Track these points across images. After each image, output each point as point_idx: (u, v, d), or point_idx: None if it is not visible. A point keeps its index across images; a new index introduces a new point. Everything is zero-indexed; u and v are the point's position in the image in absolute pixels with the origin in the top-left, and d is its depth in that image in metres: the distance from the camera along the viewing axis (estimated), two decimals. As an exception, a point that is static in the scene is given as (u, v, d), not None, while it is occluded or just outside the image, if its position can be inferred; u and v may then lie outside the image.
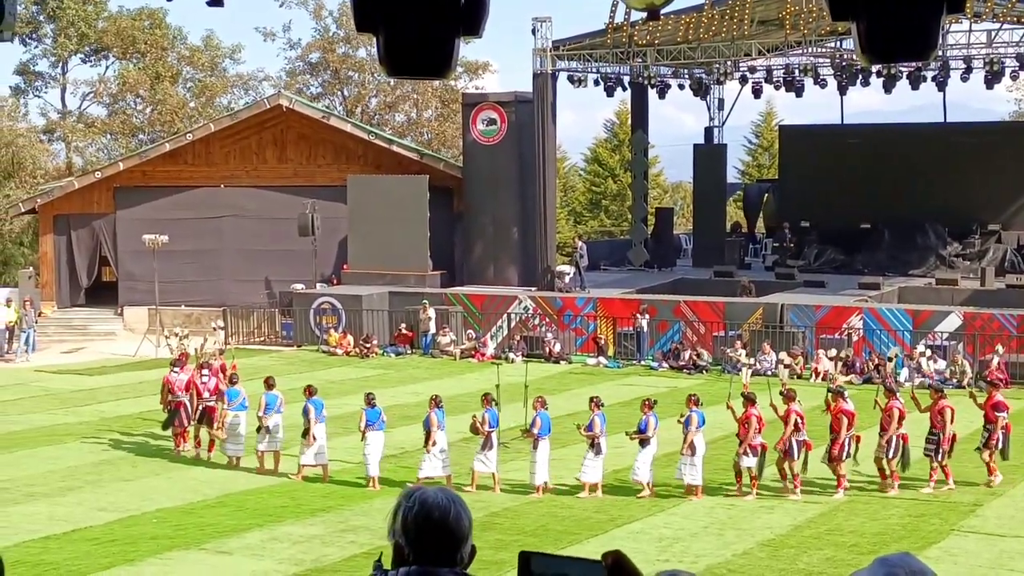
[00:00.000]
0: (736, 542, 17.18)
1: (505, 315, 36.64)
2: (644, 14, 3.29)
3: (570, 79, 40.26)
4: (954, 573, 15.44)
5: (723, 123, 48.31)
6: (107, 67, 62.67)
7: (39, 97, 63.61)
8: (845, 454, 19.78)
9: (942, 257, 41.67)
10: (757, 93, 45.45)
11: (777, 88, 44.36)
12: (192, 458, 23.22)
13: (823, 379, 30.82)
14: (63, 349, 39.18)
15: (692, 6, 38.36)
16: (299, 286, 39.47)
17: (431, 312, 36.50)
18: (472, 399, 24.57)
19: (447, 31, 2.87)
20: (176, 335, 33.54)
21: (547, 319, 36.17)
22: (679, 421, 20.19)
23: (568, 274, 38.12)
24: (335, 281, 40.66)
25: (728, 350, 32.71)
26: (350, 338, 36.82)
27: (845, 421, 19.73)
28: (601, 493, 20.13)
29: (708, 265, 42.17)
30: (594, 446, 20.02)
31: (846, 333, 32.61)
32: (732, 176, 58.41)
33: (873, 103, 60.33)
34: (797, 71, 42.68)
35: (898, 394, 20.24)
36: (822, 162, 44.55)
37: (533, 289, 37.81)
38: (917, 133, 45.34)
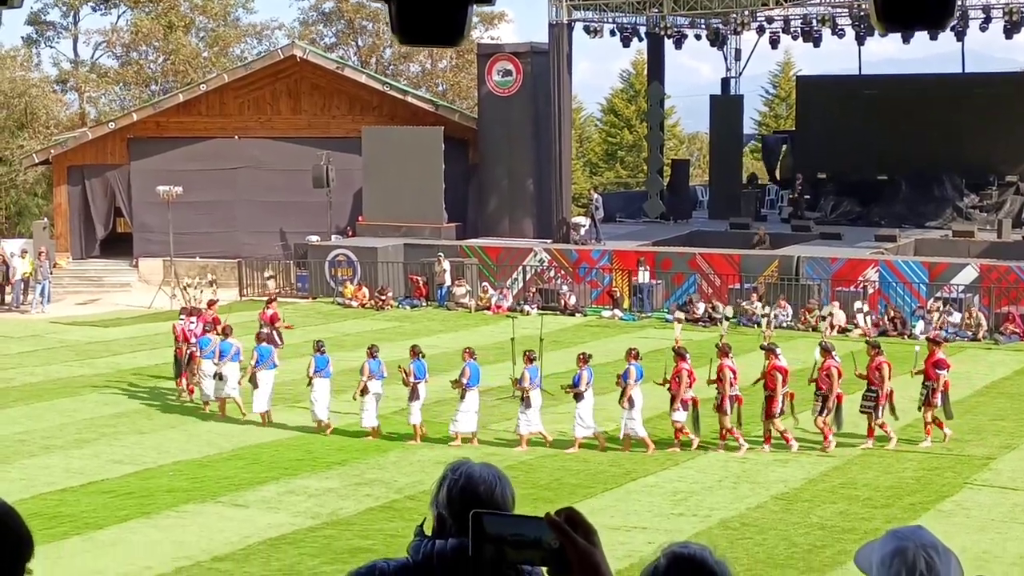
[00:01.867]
0: (750, 496, 17.22)
1: (520, 267, 36.61)
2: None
3: (586, 29, 40.00)
4: (967, 527, 15.47)
5: (740, 73, 47.97)
6: (119, 16, 62.47)
7: (51, 47, 63.59)
8: (780, 411, 19.72)
9: (959, 209, 41.47)
10: (774, 43, 45.13)
11: (795, 38, 44.04)
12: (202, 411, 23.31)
13: (838, 332, 30.81)
14: (78, 300, 39.28)
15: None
16: (314, 238, 39.46)
17: (446, 264, 36.49)
18: (488, 352, 24.63)
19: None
20: (191, 285, 33.77)
21: (562, 271, 36.12)
22: (618, 376, 20.24)
23: (583, 226, 38.03)
24: (350, 233, 40.64)
25: (743, 303, 32.69)
26: (365, 290, 36.86)
27: (780, 378, 19.68)
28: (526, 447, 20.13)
29: (724, 217, 42.01)
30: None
31: (862, 286, 32.54)
32: (749, 127, 58.12)
33: (891, 52, 60.19)
34: (815, 21, 42.36)
35: (834, 352, 19.97)
36: (839, 113, 44.26)
37: (548, 241, 37.74)
38: (935, 83, 45.00)
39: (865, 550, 3.27)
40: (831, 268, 33.19)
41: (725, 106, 46.78)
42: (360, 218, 40.75)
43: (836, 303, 31.88)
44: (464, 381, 20.41)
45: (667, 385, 19.94)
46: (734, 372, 19.85)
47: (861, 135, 43.20)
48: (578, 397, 20.02)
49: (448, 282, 36.42)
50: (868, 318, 30.90)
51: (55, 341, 31.80)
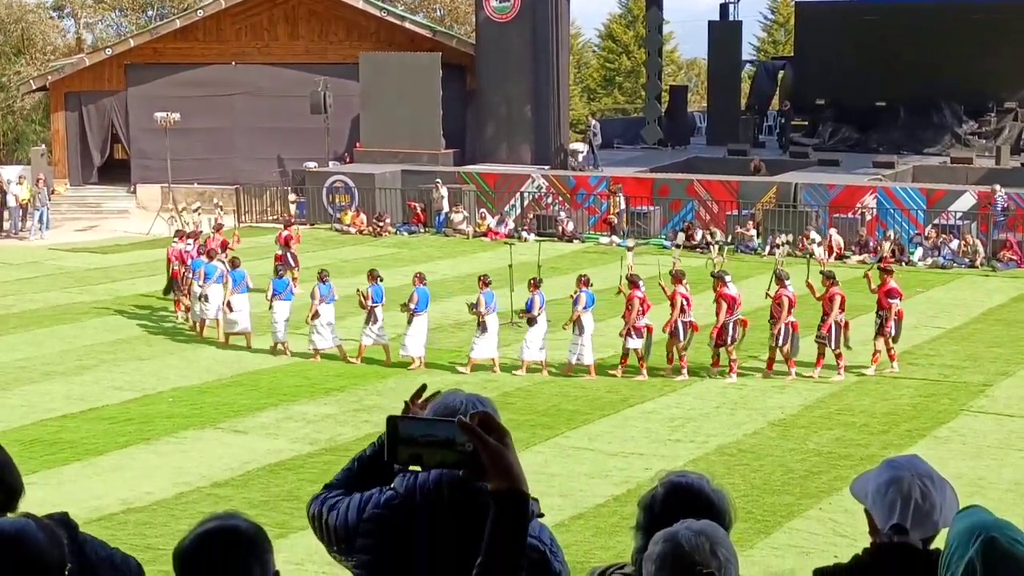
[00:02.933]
0: (747, 422, 17.33)
1: (518, 194, 36.54)
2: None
3: (584, -46, 39.63)
4: (963, 453, 15.59)
5: (739, -1, 47.59)
6: (115, -60, 61.78)
7: (47, -28, 62.88)
8: (730, 339, 19.77)
9: (957, 135, 41.35)
10: (774, -32, 44.69)
11: (795, -37, 43.65)
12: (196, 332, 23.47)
13: (836, 258, 30.83)
14: (77, 227, 39.23)
15: None
16: (312, 164, 39.34)
17: (444, 191, 36.41)
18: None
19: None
20: (187, 209, 33.89)
21: (560, 198, 36.07)
22: (571, 297, 20.41)
23: (581, 152, 37.93)
24: (348, 159, 40.52)
25: (739, 228, 32.70)
26: (363, 217, 36.81)
27: (725, 306, 19.73)
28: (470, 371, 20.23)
29: (722, 143, 41.91)
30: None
31: (859, 212, 32.51)
32: (747, 53, 57.74)
33: (892, -22, 59.29)
34: (815, -55, 41.97)
35: (787, 282, 19.92)
36: (838, 39, 43.94)
37: (546, 168, 37.65)
38: (934, 10, 44.60)
39: (861, 479, 3.31)
40: (829, 195, 33.14)
41: (723, 32, 46.48)
42: (357, 144, 40.61)
43: (834, 229, 31.86)
44: (412, 306, 20.66)
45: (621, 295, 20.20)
46: (687, 299, 19.96)
47: (860, 62, 42.92)
48: (531, 322, 20.27)
49: (446, 208, 36.37)
50: (820, 248, 30.51)
51: (54, 268, 31.82)
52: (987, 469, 14.96)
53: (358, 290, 21.52)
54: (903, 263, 30.58)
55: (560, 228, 34.88)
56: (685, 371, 19.93)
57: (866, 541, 3.46)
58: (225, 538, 2.94)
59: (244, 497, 14.17)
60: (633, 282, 20.24)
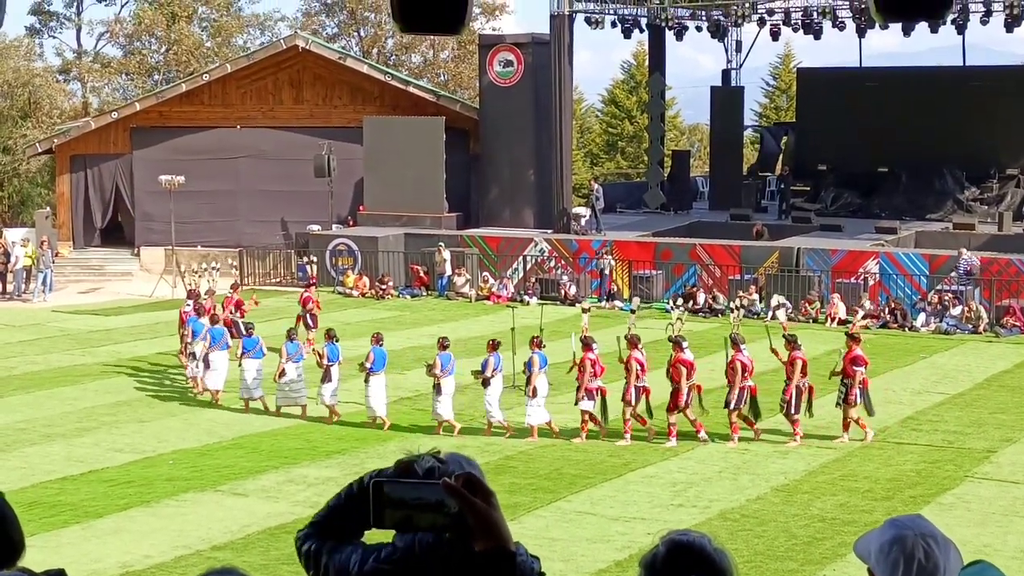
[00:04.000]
0: (750, 487, 17.23)
1: (520, 257, 36.60)
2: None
3: (587, 20, 39.95)
4: (968, 520, 15.48)
5: (741, 65, 47.93)
6: (122, 6, 62.37)
7: (55, 37, 63.31)
8: (685, 403, 19.69)
9: (959, 201, 41.41)
10: (775, 35, 45.06)
11: (795, 30, 43.97)
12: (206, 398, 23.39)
13: (838, 324, 30.82)
14: (80, 289, 39.27)
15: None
16: (315, 227, 39.45)
17: (446, 254, 36.49)
18: (484, 341, 24.60)
19: (460, -13, 2.83)
20: (196, 272, 34.04)
21: (563, 261, 36.12)
22: (524, 364, 20.50)
23: (584, 216, 38.04)
24: (351, 222, 40.64)
25: (742, 293, 32.70)
26: (366, 279, 36.87)
27: (684, 371, 19.65)
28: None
29: (725, 208, 42.02)
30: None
31: (862, 277, 32.53)
32: (749, 119, 58.07)
33: (892, 46, 60.03)
34: (815, 13, 42.29)
35: (743, 347, 19.81)
36: (840, 105, 44.15)
37: (549, 231, 37.73)
38: (936, 76, 44.94)
39: (865, 539, 3.28)
40: (831, 260, 33.18)
41: (726, 97, 46.77)
42: (361, 207, 40.75)
43: (837, 295, 31.86)
44: (367, 365, 20.83)
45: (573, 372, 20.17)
46: (641, 364, 19.91)
47: (862, 127, 43.10)
48: (485, 383, 20.34)
49: (448, 272, 36.43)
50: (782, 312, 30.18)
51: (56, 330, 31.81)
52: (992, 536, 14.85)
53: (314, 350, 22.16)
54: (906, 328, 30.58)
55: (563, 292, 34.90)
56: (628, 437, 19.83)
57: (870, 605, 3.41)
58: None
59: (243, 560, 14.06)
60: (587, 344, 20.27)
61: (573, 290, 34.96)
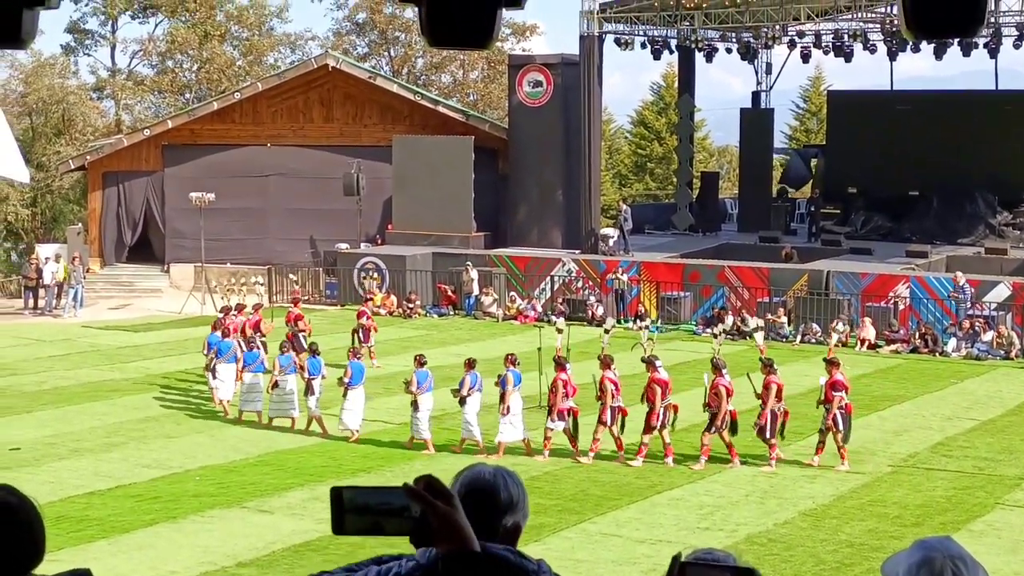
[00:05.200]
0: (777, 511, 17.12)
1: (548, 278, 36.59)
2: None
3: (617, 41, 39.99)
4: (998, 547, 15.35)
5: (771, 87, 47.86)
6: (156, 25, 62.87)
7: (89, 55, 63.86)
8: (660, 424, 19.56)
9: (991, 226, 41.16)
10: (805, 58, 45.01)
11: (826, 53, 43.89)
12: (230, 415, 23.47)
13: (868, 348, 30.67)
14: (110, 305, 39.48)
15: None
16: (343, 245, 39.56)
17: (474, 274, 36.51)
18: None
19: (489, 1, 2.82)
20: (232, 291, 34.32)
21: (590, 282, 36.09)
22: (496, 383, 20.47)
23: (612, 237, 38.01)
24: (379, 241, 40.72)
25: (770, 315, 32.58)
26: (393, 298, 36.91)
27: (659, 390, 19.53)
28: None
29: (754, 230, 41.93)
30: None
31: (892, 301, 32.36)
32: (779, 141, 57.95)
33: (923, 69, 59.73)
34: (846, 36, 42.18)
35: (724, 371, 19.55)
36: (871, 128, 44.02)
37: (577, 252, 37.72)
38: (968, 100, 44.72)
39: (892, 560, 3.24)
40: (861, 283, 33.03)
41: (755, 119, 46.71)
42: (389, 226, 40.84)
43: (868, 319, 31.69)
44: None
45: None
46: (615, 384, 19.83)
47: (892, 150, 42.94)
48: (462, 401, 20.45)
49: (476, 291, 36.44)
50: (760, 335, 29.66)
51: (87, 345, 31.97)
52: (1023, 564, 14.70)
53: (295, 361, 22.63)
54: (937, 353, 30.38)
55: (590, 312, 34.84)
56: (592, 455, 19.76)
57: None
58: None
59: (268, 578, 14.07)
60: (560, 364, 20.28)
61: (600, 311, 34.89)
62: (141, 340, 32.71)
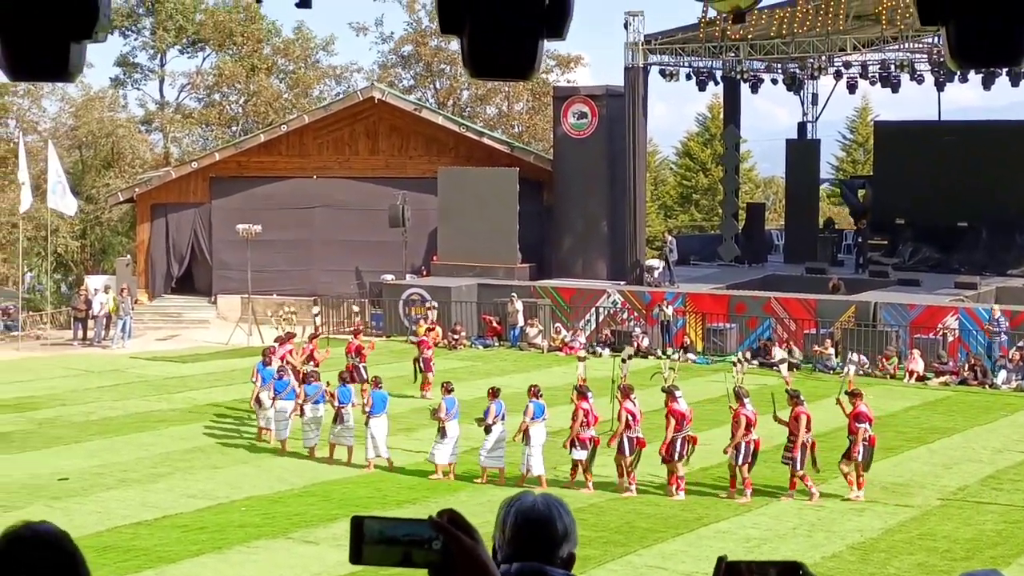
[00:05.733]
0: (825, 544, 16.97)
1: (593, 309, 36.55)
2: (730, 16, 3.23)
3: (662, 73, 40.02)
4: (1049, 581, 15.13)
5: (817, 118, 47.73)
6: (204, 59, 63.53)
7: (138, 89, 64.66)
8: (677, 455, 19.42)
9: (1041, 257, 40.77)
10: (852, 88, 44.86)
11: (872, 83, 43.73)
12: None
13: (917, 380, 30.41)
14: (158, 336, 39.79)
15: (786, 0, 37.94)
16: (389, 277, 39.70)
17: (519, 305, 36.52)
18: (559, 392, 24.56)
19: (531, 33, 2.84)
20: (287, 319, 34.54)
21: (635, 313, 36.01)
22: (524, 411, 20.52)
23: (657, 268, 37.94)
24: (425, 272, 40.84)
25: (817, 347, 32.36)
26: (438, 329, 36.93)
27: (673, 422, 19.41)
28: (453, 476, 20.75)
29: (800, 261, 41.72)
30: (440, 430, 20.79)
31: (941, 333, 32.06)
32: (825, 172, 57.75)
33: (971, 99, 59.43)
34: (893, 66, 42.00)
35: (746, 401, 19.47)
36: (918, 159, 43.73)
37: (622, 283, 37.67)
38: (1016, 130, 44.35)
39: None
40: (909, 315, 32.76)
41: (801, 150, 46.54)
42: (435, 257, 40.96)
43: (916, 351, 31.40)
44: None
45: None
46: (633, 415, 19.77)
47: (940, 181, 42.62)
48: (487, 430, 20.54)
49: (521, 322, 36.45)
50: (784, 367, 29.43)
51: (134, 376, 32.21)
52: (1075, 598, 14.49)
53: (326, 389, 22.66)
54: (986, 386, 30.06)
55: (636, 344, 34.73)
56: (633, 486, 19.74)
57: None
58: None
59: (313, 609, 14.08)
60: (581, 393, 20.33)
61: (646, 342, 34.78)
62: (188, 371, 32.91)
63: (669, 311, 34.91)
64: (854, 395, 19.61)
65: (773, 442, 20.55)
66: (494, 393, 21.00)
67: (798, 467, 19.13)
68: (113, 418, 26.23)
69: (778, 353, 29.87)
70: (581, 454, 19.97)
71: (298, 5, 3.20)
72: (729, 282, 38.55)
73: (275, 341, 27.85)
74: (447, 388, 21.46)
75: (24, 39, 2.55)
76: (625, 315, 36.13)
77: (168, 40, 60.98)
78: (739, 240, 43.84)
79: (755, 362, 33.03)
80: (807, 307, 34.21)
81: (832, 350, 32.31)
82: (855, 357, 29.69)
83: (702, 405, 23.37)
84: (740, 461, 19.32)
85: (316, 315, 36.26)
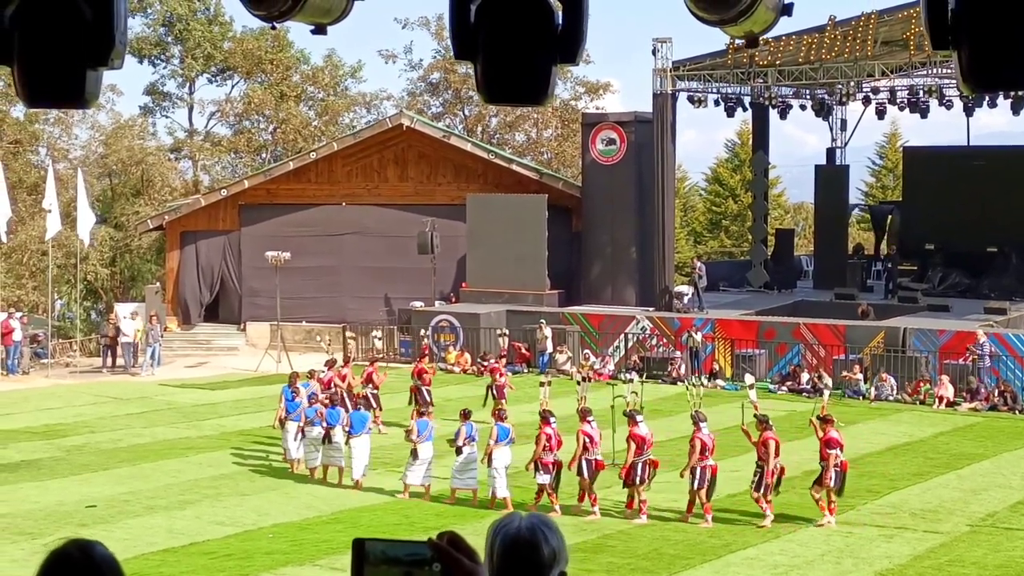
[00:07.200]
0: (853, 571, 16.87)
1: (622, 335, 36.49)
2: (743, 41, 3.24)
3: (690, 99, 40.04)
4: (1081, 609, 14.98)
5: (846, 144, 47.64)
6: (233, 87, 63.96)
7: (167, 117, 65.10)
8: (638, 479, 19.41)
9: (1072, 282, 40.49)
10: (881, 114, 44.72)
11: (901, 109, 43.58)
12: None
13: (947, 406, 30.23)
14: (187, 363, 39.94)
15: (814, 27, 37.92)
16: (418, 303, 39.76)
17: (548, 331, 36.50)
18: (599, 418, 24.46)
19: (544, 59, 2.86)
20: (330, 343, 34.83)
21: (664, 340, 35.93)
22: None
23: (687, 295, 37.87)
24: (453, 299, 40.89)
25: (846, 373, 32.20)
26: (467, 356, 36.97)
27: (633, 446, 19.45)
28: (408, 496, 21.12)
29: (829, 287, 41.55)
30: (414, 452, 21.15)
31: (971, 358, 31.85)
32: (855, 197, 57.58)
33: (1000, 124, 59.20)
34: (922, 92, 41.83)
35: (703, 426, 19.44)
36: (947, 184, 43.55)
37: (651, 309, 37.61)
38: (1047, 155, 44.15)
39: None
40: (939, 340, 32.58)
41: (830, 176, 46.44)
42: (463, 284, 41.00)
43: (946, 376, 31.21)
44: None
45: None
46: (590, 437, 19.86)
47: (970, 206, 42.40)
48: (458, 451, 20.84)
49: (550, 348, 36.42)
50: (753, 392, 28.95)
51: (163, 403, 32.32)
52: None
53: (318, 411, 22.89)
54: (1016, 411, 29.85)
55: (673, 370, 34.59)
56: (596, 508, 19.82)
57: None
58: None
59: (339, 636, 14.05)
60: (544, 418, 20.42)
61: (683, 369, 34.65)
62: (217, 398, 33.01)
63: (698, 337, 34.82)
64: (825, 420, 19.56)
65: (802, 468, 20.49)
66: (465, 415, 21.43)
67: (763, 491, 19.08)
68: (141, 445, 26.32)
69: (747, 378, 29.76)
70: (544, 478, 20.12)
71: (313, 32, 3.24)
72: (758, 308, 38.44)
73: (325, 365, 27.96)
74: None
75: (41, 66, 2.59)
76: (654, 341, 36.04)
77: (197, 68, 61.42)
78: (768, 266, 43.72)
79: (784, 387, 32.96)
80: (836, 333, 34.07)
81: (861, 376, 32.14)
82: (830, 381, 29.21)
83: (730, 432, 23.21)
84: (696, 486, 19.35)
85: (351, 338, 36.40)
